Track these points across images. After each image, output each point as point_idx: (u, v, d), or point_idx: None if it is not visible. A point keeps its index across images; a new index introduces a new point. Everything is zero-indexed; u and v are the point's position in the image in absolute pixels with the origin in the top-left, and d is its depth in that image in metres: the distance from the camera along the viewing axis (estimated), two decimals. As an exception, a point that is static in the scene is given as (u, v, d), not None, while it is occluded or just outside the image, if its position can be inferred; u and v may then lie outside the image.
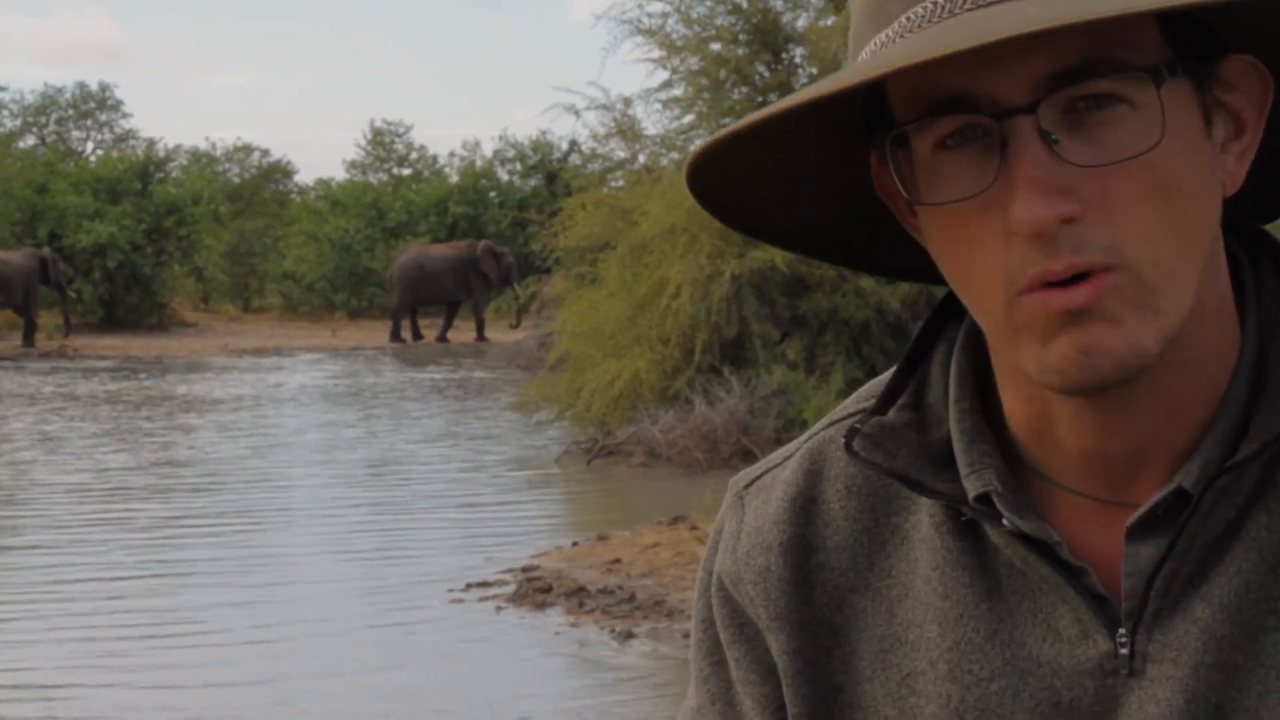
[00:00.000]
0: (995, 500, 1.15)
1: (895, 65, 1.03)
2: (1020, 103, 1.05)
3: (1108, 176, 1.05)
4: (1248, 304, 1.17)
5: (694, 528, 11.68)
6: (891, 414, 1.22)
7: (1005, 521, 1.15)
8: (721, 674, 1.32)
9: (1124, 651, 1.13)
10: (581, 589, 10.38)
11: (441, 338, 37.48)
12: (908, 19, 1.09)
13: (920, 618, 1.20)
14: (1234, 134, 1.14)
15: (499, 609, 10.06)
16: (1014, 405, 1.18)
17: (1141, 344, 1.07)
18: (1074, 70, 1.05)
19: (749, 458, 15.04)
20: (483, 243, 37.61)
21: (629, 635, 9.31)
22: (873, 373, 15.77)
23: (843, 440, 1.22)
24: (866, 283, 16.23)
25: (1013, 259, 1.07)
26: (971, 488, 1.16)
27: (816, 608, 1.25)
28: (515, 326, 33.14)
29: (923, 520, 1.22)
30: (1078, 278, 1.06)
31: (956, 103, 1.07)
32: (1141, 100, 1.06)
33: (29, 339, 34.74)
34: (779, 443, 14.59)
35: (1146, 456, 1.14)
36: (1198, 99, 1.10)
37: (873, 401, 1.25)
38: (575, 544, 11.93)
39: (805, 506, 1.26)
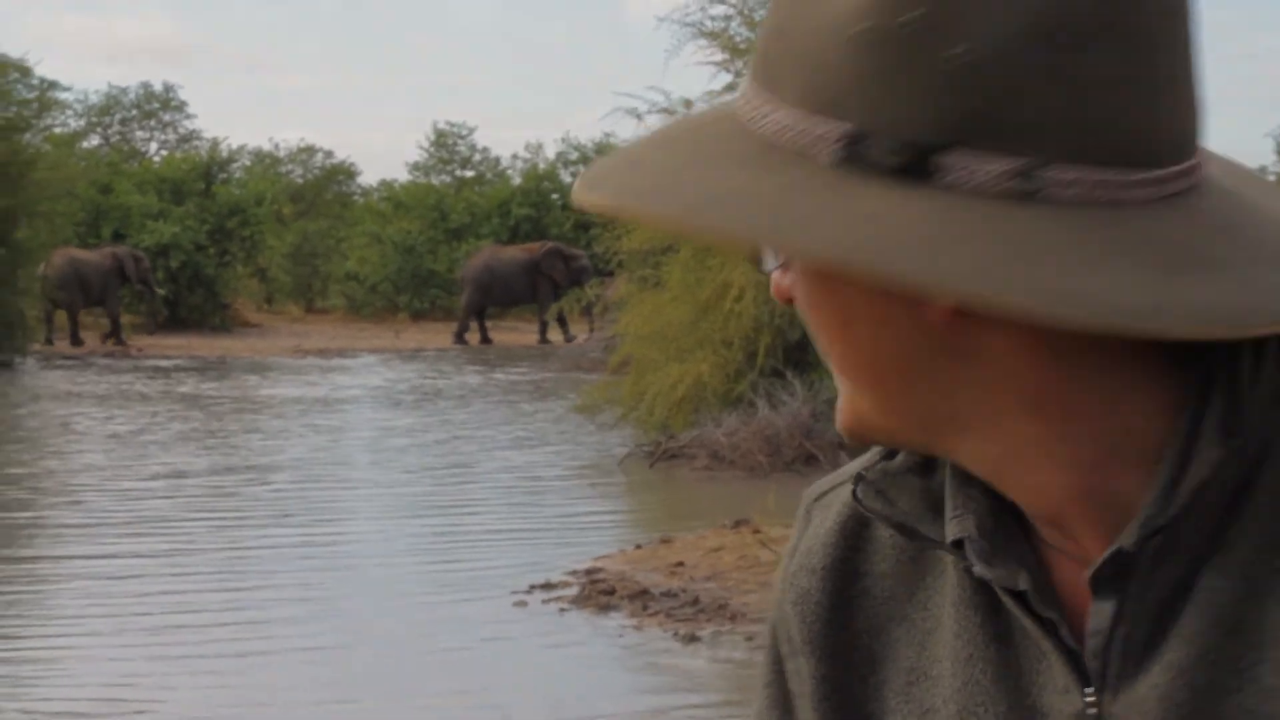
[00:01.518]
0: (967, 546, 1.14)
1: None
2: None
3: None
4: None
5: (757, 531, 11.67)
6: (899, 458, 1.21)
7: (976, 569, 1.13)
8: (780, 682, 1.32)
9: (1092, 711, 1.11)
10: (645, 591, 10.38)
11: (543, 338, 37.38)
12: None
13: (942, 654, 1.20)
14: None
15: (562, 611, 10.08)
16: None
17: (845, 424, 1.14)
18: None
19: (811, 461, 15.05)
20: (547, 245, 37.63)
21: (692, 638, 9.31)
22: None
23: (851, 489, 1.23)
24: (930, 286, 16.14)
25: None
26: (950, 533, 1.15)
27: (855, 634, 1.24)
28: (591, 332, 32.20)
29: (949, 556, 1.21)
30: None
31: None
32: None
33: (118, 336, 35.16)
34: (842, 447, 14.59)
35: (1064, 518, 1.11)
36: None
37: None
38: (638, 547, 11.94)
39: (857, 530, 1.26)
